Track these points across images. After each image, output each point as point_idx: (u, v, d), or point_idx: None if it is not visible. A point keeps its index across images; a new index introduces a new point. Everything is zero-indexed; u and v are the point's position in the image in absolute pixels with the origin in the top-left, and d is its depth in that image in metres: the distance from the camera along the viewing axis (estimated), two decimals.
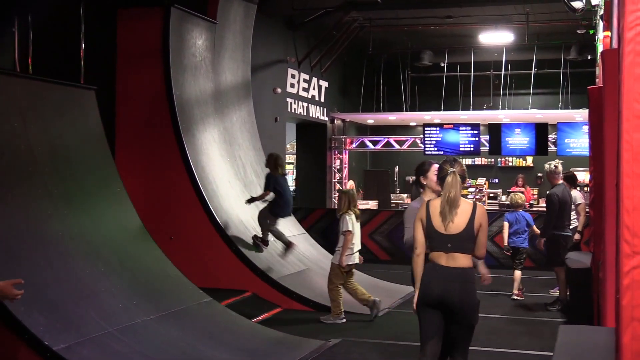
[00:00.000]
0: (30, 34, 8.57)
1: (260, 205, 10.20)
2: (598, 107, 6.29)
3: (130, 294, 7.22)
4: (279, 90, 15.34)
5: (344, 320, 8.76)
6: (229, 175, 10.54)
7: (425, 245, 5.02)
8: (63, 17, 9.33)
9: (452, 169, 4.98)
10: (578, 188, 11.17)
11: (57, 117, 7.98)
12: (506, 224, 10.30)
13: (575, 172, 11.07)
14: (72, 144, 8.06)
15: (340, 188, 19.22)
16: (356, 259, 8.87)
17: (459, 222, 4.90)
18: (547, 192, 10.08)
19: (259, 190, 11.13)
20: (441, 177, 5.05)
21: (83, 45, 9.22)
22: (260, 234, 10.10)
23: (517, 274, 10.27)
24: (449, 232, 4.90)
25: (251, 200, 10.07)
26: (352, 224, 8.73)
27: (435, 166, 5.43)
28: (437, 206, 4.96)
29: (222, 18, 11.24)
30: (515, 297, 10.25)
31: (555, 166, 9.86)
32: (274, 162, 10.00)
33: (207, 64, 10.88)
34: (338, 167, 19.32)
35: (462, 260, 4.89)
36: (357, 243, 8.87)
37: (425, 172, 5.76)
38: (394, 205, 19.37)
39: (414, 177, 17.94)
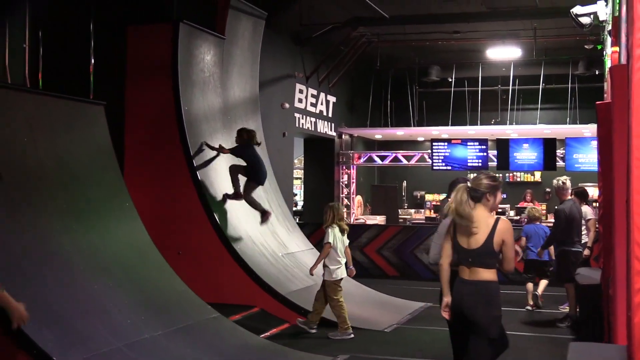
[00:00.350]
0: (40, 49, 8.63)
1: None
2: (607, 123, 6.27)
3: (139, 310, 7.21)
4: (286, 105, 15.37)
5: (352, 336, 8.73)
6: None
7: (450, 256, 5.20)
8: (73, 32, 9.39)
9: (460, 185, 5.19)
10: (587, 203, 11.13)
11: (66, 132, 8.02)
12: (524, 238, 10.35)
13: (585, 187, 11.03)
14: (81, 158, 8.10)
15: (347, 202, 19.21)
16: (343, 272, 8.88)
17: (478, 237, 5.02)
18: (556, 207, 10.05)
19: (267, 206, 11.13)
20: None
21: (92, 61, 9.27)
22: (230, 192, 10.17)
23: (544, 282, 10.44)
24: (469, 246, 5.04)
25: (214, 148, 10.14)
26: (334, 237, 8.75)
27: (461, 184, 5.58)
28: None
29: (231, 34, 11.29)
30: (537, 295, 10.44)
31: (563, 182, 9.84)
32: (246, 135, 10.13)
33: (216, 79, 10.91)
34: (346, 182, 19.32)
35: (483, 274, 5.03)
36: (343, 257, 8.87)
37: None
38: (401, 220, 19.34)
39: (422, 192, 17.88)
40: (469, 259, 5.03)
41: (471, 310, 5.00)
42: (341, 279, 8.83)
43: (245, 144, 10.11)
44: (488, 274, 5.02)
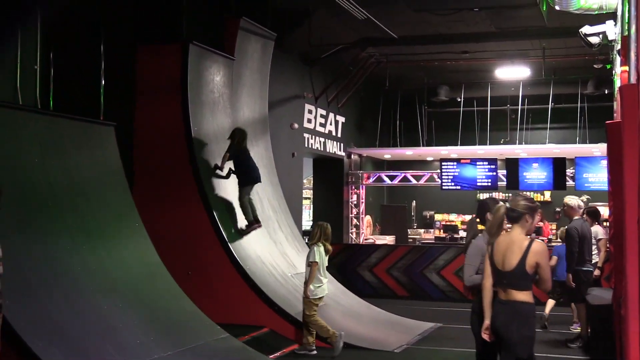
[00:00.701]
0: (51, 70, 8.70)
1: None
2: (617, 142, 6.25)
3: (148, 330, 7.20)
4: (296, 125, 15.41)
5: (342, 333, 8.71)
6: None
7: (491, 276, 5.24)
8: (83, 54, 9.46)
9: (500, 204, 5.35)
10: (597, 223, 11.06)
11: (76, 152, 8.06)
12: (555, 257, 10.32)
13: (596, 207, 10.96)
14: (91, 179, 8.13)
15: (357, 222, 19.18)
16: (324, 291, 8.98)
17: (511, 260, 5.08)
18: (567, 226, 9.97)
19: (276, 226, 11.13)
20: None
21: (103, 82, 9.33)
22: (247, 222, 10.14)
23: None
24: (504, 268, 5.11)
25: (215, 167, 10.12)
26: (320, 255, 8.80)
27: (501, 204, 5.66)
28: (500, 243, 5.17)
29: (240, 54, 11.34)
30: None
31: (583, 201, 9.83)
32: (239, 136, 10.16)
33: (225, 100, 10.95)
34: (355, 202, 19.30)
35: (517, 295, 5.08)
36: (325, 276, 8.98)
37: (492, 209, 5.88)
38: (411, 240, 19.30)
39: (431, 212, 17.79)
40: (503, 281, 5.10)
41: (504, 328, 5.05)
42: (321, 297, 8.87)
43: (235, 147, 10.11)
44: (523, 296, 5.07)
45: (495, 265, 5.16)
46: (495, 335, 5.15)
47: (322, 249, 8.91)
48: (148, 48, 10.17)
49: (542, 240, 15.57)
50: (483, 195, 19.99)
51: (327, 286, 9.11)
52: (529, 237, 5.19)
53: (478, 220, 6.12)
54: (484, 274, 5.28)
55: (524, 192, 19.90)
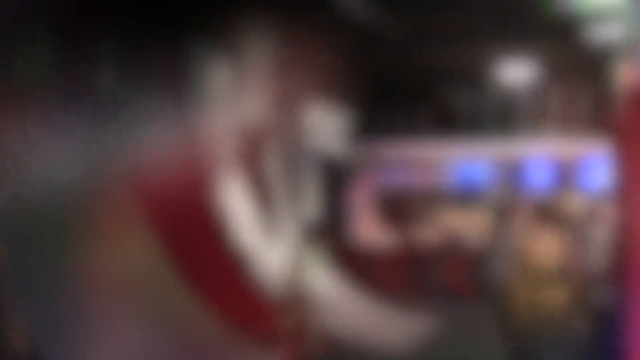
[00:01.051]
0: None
1: None
2: (622, 143, 6.25)
3: (152, 330, 7.18)
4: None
5: None
6: (250, 210, 10.54)
7: (523, 278, 5.11)
8: (86, 52, 9.44)
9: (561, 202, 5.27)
10: None
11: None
12: None
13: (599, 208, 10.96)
14: (93, 177, 8.10)
15: None
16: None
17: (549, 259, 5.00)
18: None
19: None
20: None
21: None
22: None
23: None
24: (540, 268, 4.99)
25: None
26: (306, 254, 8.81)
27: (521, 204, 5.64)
28: (531, 243, 5.10)
29: (242, 53, 11.31)
30: None
31: (586, 202, 9.83)
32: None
33: (227, 98, 10.93)
34: (357, 203, 19.28)
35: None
36: None
37: (513, 209, 5.90)
38: (414, 240, 19.28)
39: (434, 212, 17.76)
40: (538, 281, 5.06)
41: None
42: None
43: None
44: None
45: (529, 266, 5.10)
46: None
47: (309, 247, 8.89)
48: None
49: None
50: (485, 196, 19.97)
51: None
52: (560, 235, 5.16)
53: (500, 219, 6.13)
54: (514, 274, 5.22)
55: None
